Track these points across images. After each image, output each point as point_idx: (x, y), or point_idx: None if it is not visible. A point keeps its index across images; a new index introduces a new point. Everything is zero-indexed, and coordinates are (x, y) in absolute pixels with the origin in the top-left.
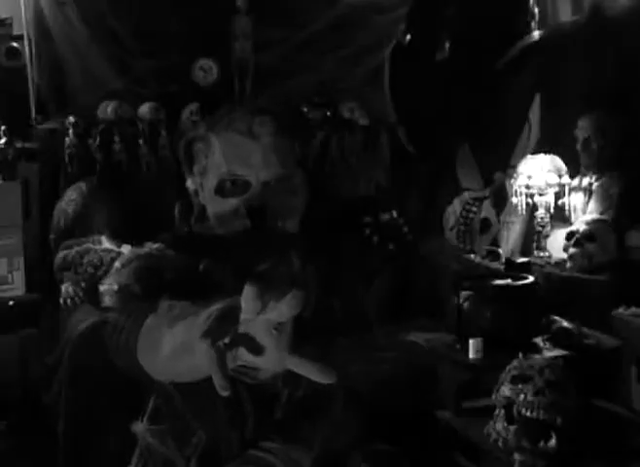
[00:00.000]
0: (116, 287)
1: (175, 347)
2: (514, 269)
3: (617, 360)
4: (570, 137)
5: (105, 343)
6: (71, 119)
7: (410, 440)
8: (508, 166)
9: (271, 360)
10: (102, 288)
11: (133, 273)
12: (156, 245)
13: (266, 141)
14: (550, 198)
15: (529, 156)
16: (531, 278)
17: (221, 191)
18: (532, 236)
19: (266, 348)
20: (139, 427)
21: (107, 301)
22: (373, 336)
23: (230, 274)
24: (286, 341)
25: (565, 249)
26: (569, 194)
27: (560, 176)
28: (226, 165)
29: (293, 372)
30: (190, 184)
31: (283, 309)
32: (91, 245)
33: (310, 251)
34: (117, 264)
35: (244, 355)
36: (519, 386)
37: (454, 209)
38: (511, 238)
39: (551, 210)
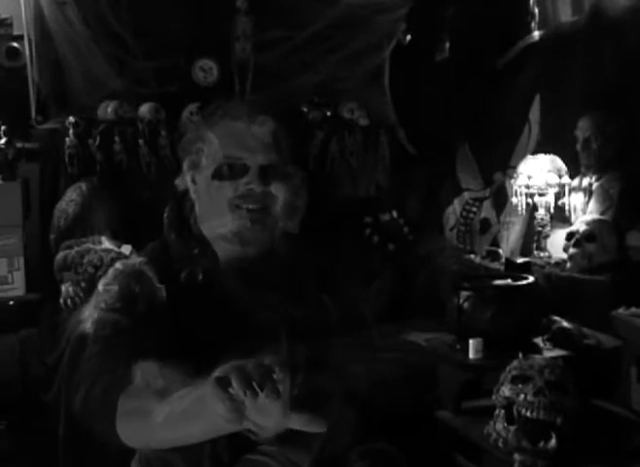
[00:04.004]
0: (96, 315)
1: (172, 417)
2: (514, 270)
3: (617, 360)
4: (570, 137)
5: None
6: (71, 119)
7: (410, 440)
8: (508, 166)
9: (276, 423)
10: (85, 313)
11: (112, 301)
12: (139, 259)
13: (263, 126)
14: (550, 199)
15: (529, 156)
16: (531, 278)
17: (218, 175)
18: (532, 236)
19: (273, 413)
20: None
21: (88, 327)
22: (373, 336)
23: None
24: (286, 403)
25: (565, 249)
26: (569, 194)
27: (560, 176)
28: (222, 151)
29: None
30: (179, 182)
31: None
32: (91, 245)
33: (310, 251)
34: (100, 285)
35: (252, 417)
36: (519, 386)
37: (454, 209)
38: (511, 238)
39: (551, 210)
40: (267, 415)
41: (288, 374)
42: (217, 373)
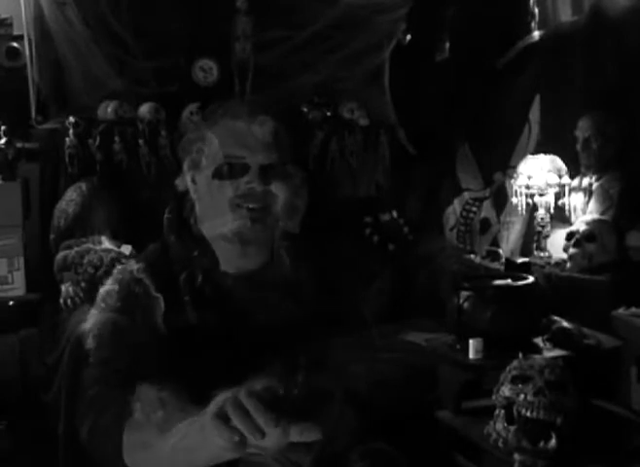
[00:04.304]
0: (96, 318)
1: (175, 449)
2: (514, 269)
3: (617, 360)
4: (570, 137)
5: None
6: (71, 119)
7: (410, 440)
8: (508, 166)
9: (277, 442)
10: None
11: (113, 301)
12: (138, 265)
13: (263, 126)
14: (550, 199)
15: (529, 156)
16: (531, 278)
17: (219, 175)
18: (532, 236)
19: (273, 436)
20: None
21: (89, 341)
22: (373, 336)
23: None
24: (285, 425)
25: (565, 249)
26: (569, 194)
27: (560, 176)
28: (222, 150)
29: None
30: (179, 182)
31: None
32: (91, 245)
33: (310, 251)
34: (100, 291)
35: (253, 443)
36: (519, 386)
37: (454, 209)
38: (511, 238)
39: (551, 210)
40: (268, 438)
41: (284, 396)
42: (213, 406)
